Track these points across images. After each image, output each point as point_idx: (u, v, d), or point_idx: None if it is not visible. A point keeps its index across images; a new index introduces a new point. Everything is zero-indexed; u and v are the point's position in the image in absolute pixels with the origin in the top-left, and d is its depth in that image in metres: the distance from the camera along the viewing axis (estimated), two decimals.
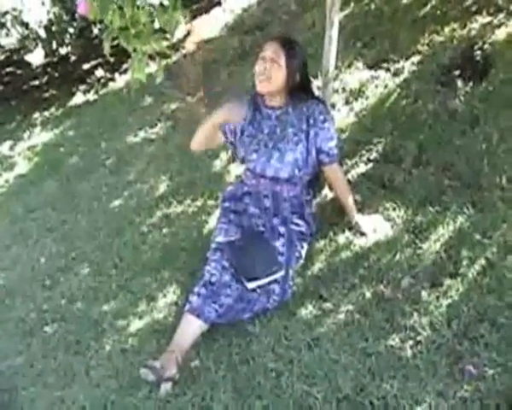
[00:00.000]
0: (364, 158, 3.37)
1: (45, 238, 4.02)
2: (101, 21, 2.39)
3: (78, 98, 6.98)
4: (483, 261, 2.45)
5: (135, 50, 2.29)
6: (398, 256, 2.65)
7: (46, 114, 6.95)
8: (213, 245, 2.83)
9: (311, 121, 2.85)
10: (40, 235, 4.09)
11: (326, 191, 3.21)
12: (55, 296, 3.31)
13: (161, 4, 2.33)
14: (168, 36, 2.33)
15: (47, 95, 7.61)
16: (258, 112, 2.94)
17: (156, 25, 2.34)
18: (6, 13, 6.47)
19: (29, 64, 7.98)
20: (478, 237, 2.57)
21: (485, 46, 3.69)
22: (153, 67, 2.66)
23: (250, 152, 2.92)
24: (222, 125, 3.00)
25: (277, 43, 2.81)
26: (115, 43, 2.43)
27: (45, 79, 8.14)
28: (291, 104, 2.88)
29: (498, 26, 3.79)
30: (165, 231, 3.53)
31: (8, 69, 8.81)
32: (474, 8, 4.07)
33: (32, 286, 3.48)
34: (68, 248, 3.78)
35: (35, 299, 3.35)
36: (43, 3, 6.25)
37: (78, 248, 3.73)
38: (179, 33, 6.93)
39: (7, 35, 7.00)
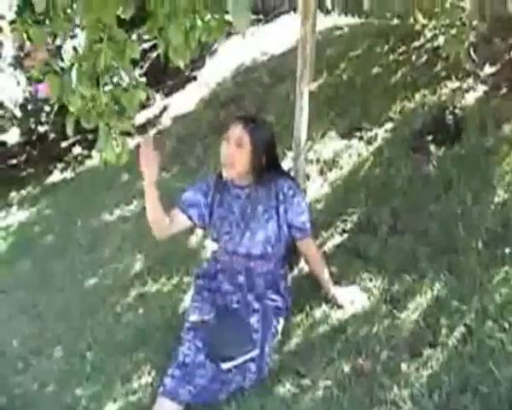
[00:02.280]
0: (339, 229, 3.35)
1: (18, 319, 3.91)
2: None
3: (56, 176, 6.98)
4: (462, 329, 2.40)
5: (97, 128, 2.27)
6: (376, 328, 2.59)
7: (23, 192, 6.93)
8: (187, 324, 2.76)
9: (281, 197, 2.82)
10: (12, 316, 3.99)
11: (302, 264, 3.16)
12: (27, 381, 3.20)
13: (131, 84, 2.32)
14: (131, 114, 2.31)
15: (24, 173, 7.61)
16: (227, 193, 2.91)
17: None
18: None
19: (4, 143, 8.00)
20: (456, 303, 2.53)
21: (456, 111, 3.73)
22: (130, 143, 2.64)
23: (222, 234, 2.88)
24: (186, 210, 2.91)
25: (241, 124, 2.76)
26: None
27: (23, 157, 8.14)
28: (259, 182, 2.84)
29: (467, 91, 3.85)
30: (140, 310, 3.45)
31: None
32: (443, 74, 4.14)
33: (3, 371, 3.37)
34: (41, 329, 3.68)
35: (6, 384, 3.23)
36: (18, 83, 6.31)
37: (51, 329, 3.64)
38: (155, 109, 7.01)
39: None
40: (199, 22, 1.87)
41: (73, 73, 2.04)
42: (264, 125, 2.90)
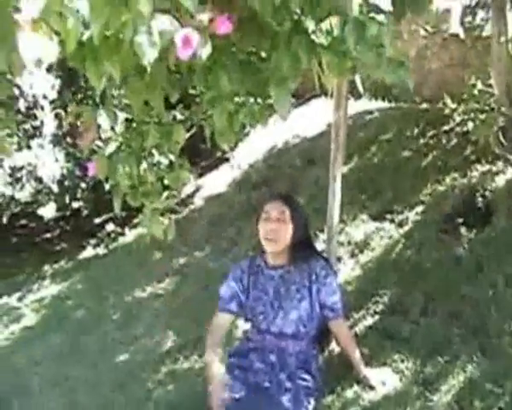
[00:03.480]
0: (371, 310, 3.35)
1: (48, 392, 3.93)
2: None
3: (88, 252, 7.09)
4: None
5: (143, 206, 2.36)
6: (408, 409, 2.57)
7: (56, 266, 7.04)
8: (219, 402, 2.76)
9: (314, 277, 2.85)
10: (43, 388, 4.01)
11: (333, 345, 3.16)
12: None
13: (170, 163, 2.42)
14: (175, 193, 2.41)
15: (58, 248, 7.75)
16: (261, 274, 2.95)
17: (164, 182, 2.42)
18: (21, 168, 6.75)
19: (41, 217, 8.18)
20: (489, 386, 2.49)
21: (486, 193, 3.77)
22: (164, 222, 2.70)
23: (257, 314, 2.91)
24: (226, 308, 2.95)
25: (281, 201, 2.84)
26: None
27: (57, 232, 8.30)
28: (293, 262, 2.89)
29: (497, 174, 3.89)
30: (170, 387, 3.45)
31: (20, 222, 8.98)
32: (473, 158, 4.20)
33: None
34: (71, 402, 3.69)
35: None
36: (56, 159, 6.53)
37: (81, 403, 3.65)
38: (188, 189, 7.13)
39: (21, 189, 7.25)
40: (242, 107, 1.96)
41: (120, 154, 2.15)
42: (300, 203, 2.97)
